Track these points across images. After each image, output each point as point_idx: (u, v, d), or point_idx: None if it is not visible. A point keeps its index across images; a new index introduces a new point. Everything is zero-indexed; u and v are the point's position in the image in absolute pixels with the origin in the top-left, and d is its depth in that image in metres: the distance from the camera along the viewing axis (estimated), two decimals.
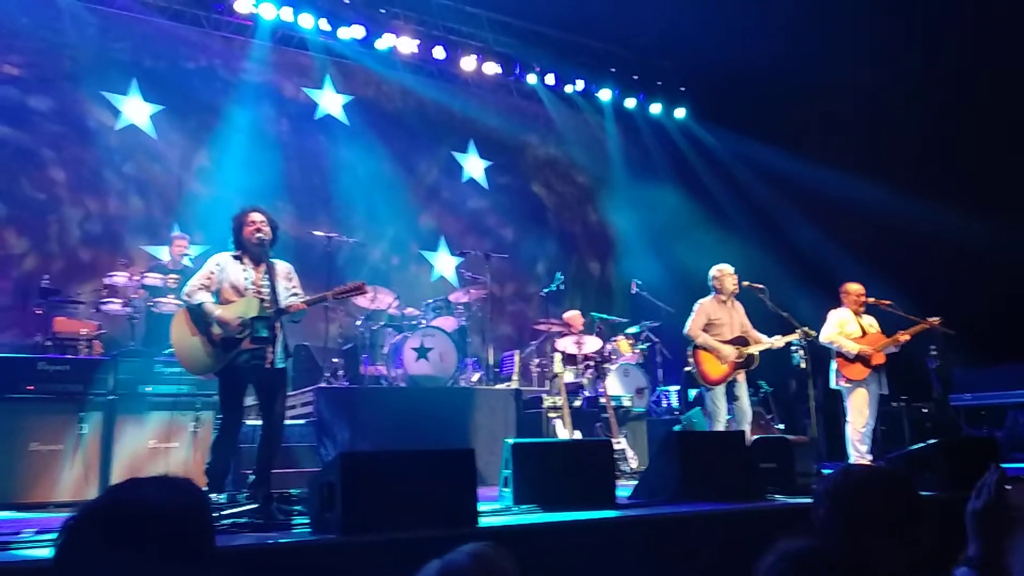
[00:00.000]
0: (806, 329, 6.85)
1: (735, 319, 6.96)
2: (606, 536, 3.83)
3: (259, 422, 5.13)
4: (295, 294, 5.03)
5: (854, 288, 7.25)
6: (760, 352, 6.84)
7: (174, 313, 5.18)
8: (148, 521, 1.39)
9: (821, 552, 1.31)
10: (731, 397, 6.78)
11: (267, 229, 4.94)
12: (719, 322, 6.87)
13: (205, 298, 4.87)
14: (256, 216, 4.97)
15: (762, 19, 9.66)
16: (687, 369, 7.24)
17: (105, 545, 1.36)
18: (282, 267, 5.06)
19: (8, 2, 8.85)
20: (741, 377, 6.81)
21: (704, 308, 6.91)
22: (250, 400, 5.16)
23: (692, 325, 6.85)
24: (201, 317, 4.85)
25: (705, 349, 6.78)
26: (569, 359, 8.69)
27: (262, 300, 4.82)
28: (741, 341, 6.83)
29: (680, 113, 12.88)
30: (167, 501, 1.43)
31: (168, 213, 9.37)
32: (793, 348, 7.09)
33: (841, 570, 1.29)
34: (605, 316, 10.03)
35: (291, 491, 4.75)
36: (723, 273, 7.01)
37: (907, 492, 1.80)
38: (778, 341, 6.84)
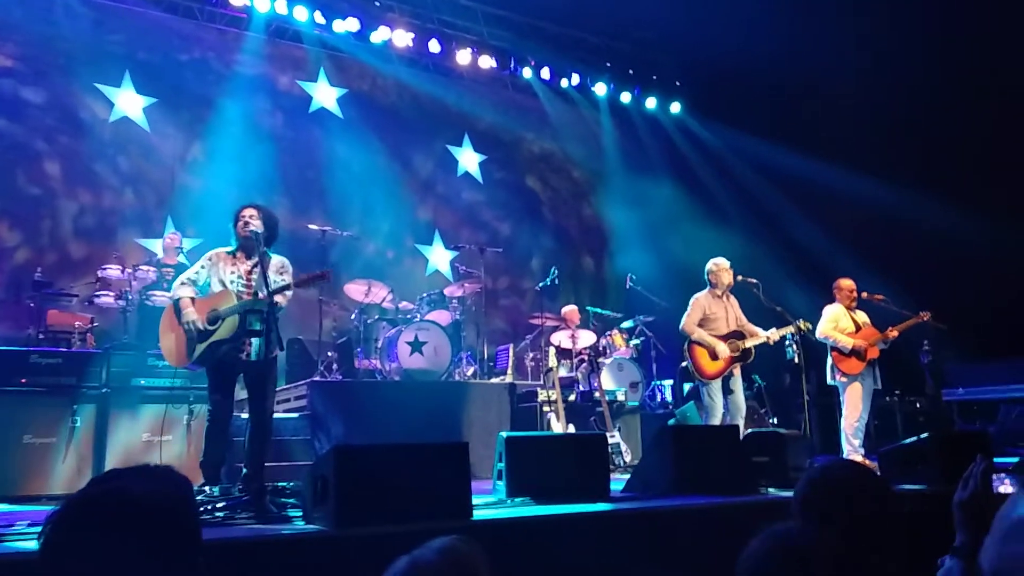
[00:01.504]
0: (802, 322, 6.87)
1: (731, 313, 6.97)
2: (599, 529, 3.84)
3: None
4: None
5: (846, 284, 7.29)
6: (755, 345, 6.85)
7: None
8: (132, 511, 1.39)
9: (806, 538, 1.32)
10: (726, 391, 6.79)
11: (256, 222, 4.98)
12: (714, 316, 6.88)
13: (185, 293, 4.96)
14: (247, 211, 5.05)
15: (758, 14, 9.65)
16: (684, 364, 7.25)
17: (90, 536, 1.36)
18: (275, 260, 5.11)
19: None
20: (736, 371, 6.83)
21: (699, 303, 6.92)
22: (244, 394, 5.17)
23: (687, 321, 6.86)
24: (180, 310, 4.91)
25: (700, 344, 6.79)
26: (563, 353, 8.71)
27: (240, 294, 4.90)
28: (737, 335, 6.84)
29: (676, 108, 12.89)
30: (150, 491, 1.42)
31: (161, 206, 9.35)
32: (787, 343, 7.10)
33: (826, 560, 1.30)
34: (600, 310, 10.05)
35: (284, 484, 4.76)
36: (719, 268, 7.01)
37: (883, 493, 1.81)
38: (774, 335, 6.86)
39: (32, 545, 2.95)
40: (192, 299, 4.94)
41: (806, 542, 1.32)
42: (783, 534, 1.34)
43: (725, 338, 6.81)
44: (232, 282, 4.97)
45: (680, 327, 6.92)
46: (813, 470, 1.91)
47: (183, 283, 5.01)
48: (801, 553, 1.30)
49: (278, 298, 4.80)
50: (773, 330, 6.88)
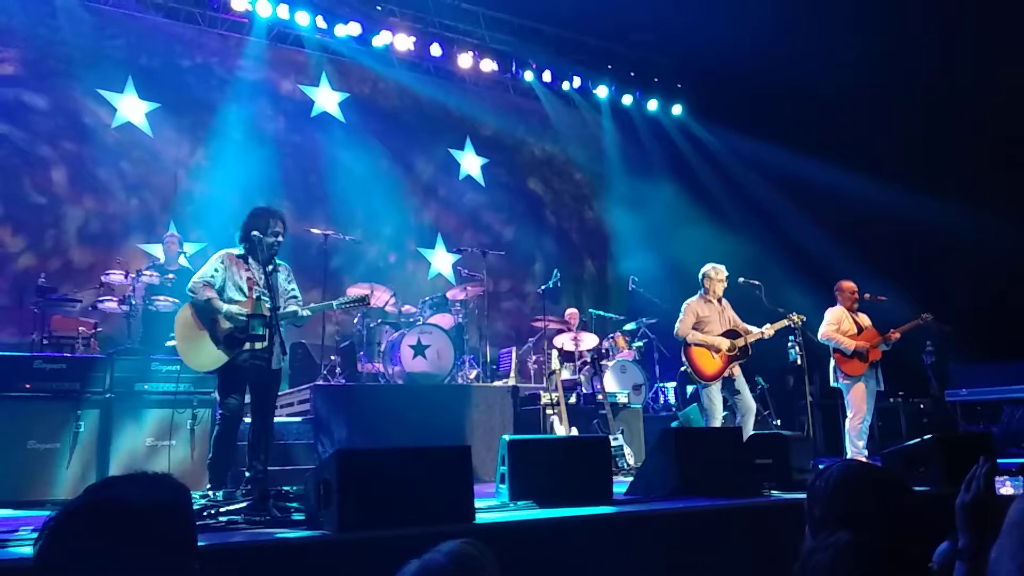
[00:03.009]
0: (795, 315, 6.86)
1: (724, 315, 6.96)
2: (602, 532, 3.84)
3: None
4: (293, 296, 5.10)
5: (848, 285, 7.29)
6: (753, 344, 6.83)
7: (171, 311, 5.22)
8: (126, 519, 1.39)
9: (868, 546, 1.31)
10: (733, 392, 6.76)
11: (281, 239, 5.03)
12: (707, 320, 6.86)
13: (212, 295, 4.92)
14: (281, 226, 5.04)
15: (759, 16, 9.66)
16: (683, 369, 7.24)
17: (86, 544, 1.37)
18: (283, 269, 5.12)
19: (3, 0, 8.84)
20: (738, 371, 6.81)
21: (691, 308, 6.91)
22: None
23: (681, 327, 6.86)
24: (207, 313, 4.89)
25: (698, 345, 6.77)
26: (566, 356, 8.71)
27: (256, 301, 4.91)
28: (733, 334, 6.83)
29: (677, 110, 12.89)
30: (145, 499, 1.43)
31: (165, 211, 9.37)
32: (789, 345, 7.09)
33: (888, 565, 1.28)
34: (602, 313, 10.05)
35: (288, 488, 4.76)
36: (716, 277, 6.98)
37: (907, 499, 1.80)
38: (768, 330, 6.84)
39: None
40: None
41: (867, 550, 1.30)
42: (843, 545, 1.32)
43: (720, 337, 6.81)
44: (248, 289, 4.98)
45: (674, 333, 6.91)
46: (830, 471, 1.87)
47: (205, 284, 4.93)
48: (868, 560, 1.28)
49: (305, 313, 4.99)
50: (767, 326, 6.87)
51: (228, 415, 4.93)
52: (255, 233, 4.90)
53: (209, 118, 9.78)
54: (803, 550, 1.47)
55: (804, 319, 6.94)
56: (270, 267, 4.93)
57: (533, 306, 11.09)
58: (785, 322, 6.86)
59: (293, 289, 5.16)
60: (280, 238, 5.01)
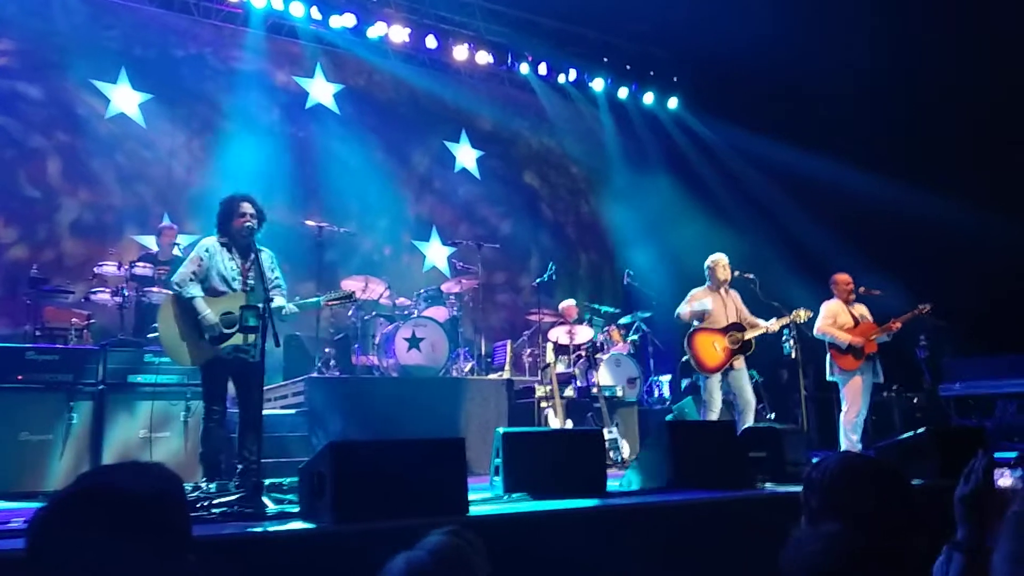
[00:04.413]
0: (802, 310, 6.84)
1: (730, 307, 6.96)
2: (596, 525, 3.83)
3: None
4: (277, 285, 5.07)
5: (842, 278, 7.29)
6: (756, 338, 6.84)
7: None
8: (121, 507, 1.38)
9: (859, 542, 1.29)
10: (734, 386, 6.76)
11: (254, 221, 4.94)
12: (712, 310, 6.88)
13: (197, 292, 4.88)
14: (247, 206, 4.96)
15: (755, 8, 9.63)
16: (684, 359, 7.24)
17: (78, 532, 1.35)
18: (266, 257, 5.06)
19: None
20: (740, 364, 6.80)
21: (696, 296, 6.94)
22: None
23: (682, 308, 6.91)
24: (190, 309, 4.85)
25: (702, 330, 6.78)
26: (561, 349, 8.71)
27: (247, 293, 4.88)
28: (737, 327, 6.83)
29: (673, 103, 12.87)
30: (139, 487, 1.42)
31: (158, 202, 9.32)
32: (784, 338, 7.09)
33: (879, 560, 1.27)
34: (597, 306, 10.05)
35: (282, 480, 4.75)
36: (716, 264, 7.00)
37: (904, 491, 1.80)
38: (773, 324, 6.84)
39: None
40: (203, 299, 4.89)
41: (854, 544, 1.28)
42: (835, 535, 1.30)
43: (724, 331, 6.81)
44: (234, 279, 4.94)
45: (675, 315, 6.97)
46: (828, 462, 1.86)
47: (191, 278, 4.89)
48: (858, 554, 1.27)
49: (292, 309, 4.97)
50: (773, 320, 6.87)
51: (213, 410, 4.91)
52: (229, 223, 4.91)
53: (203, 109, 9.74)
54: (792, 539, 1.45)
55: (812, 314, 6.93)
56: (252, 255, 4.87)
57: (528, 299, 11.08)
58: (791, 318, 6.85)
59: (277, 278, 5.10)
60: (252, 221, 4.92)
